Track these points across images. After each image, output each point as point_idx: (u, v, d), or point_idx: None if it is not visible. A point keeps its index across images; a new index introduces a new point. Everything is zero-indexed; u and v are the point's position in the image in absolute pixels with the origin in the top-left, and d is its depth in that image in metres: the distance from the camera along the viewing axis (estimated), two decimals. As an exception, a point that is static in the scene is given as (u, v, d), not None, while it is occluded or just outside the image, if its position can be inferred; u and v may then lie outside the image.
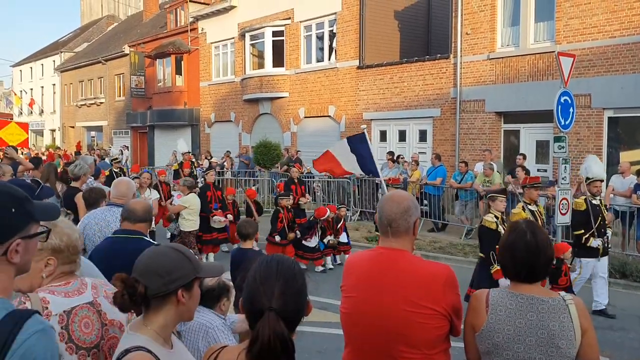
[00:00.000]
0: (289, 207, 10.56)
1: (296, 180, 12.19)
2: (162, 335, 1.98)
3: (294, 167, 13.51)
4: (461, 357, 2.66)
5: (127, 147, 29.84)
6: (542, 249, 2.39)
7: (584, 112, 12.97)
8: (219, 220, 10.65)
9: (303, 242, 10.32)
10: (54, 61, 42.49)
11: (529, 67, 14.21)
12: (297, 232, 10.30)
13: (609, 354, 6.15)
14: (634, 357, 6.18)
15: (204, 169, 19.54)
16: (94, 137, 37.71)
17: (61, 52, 42.13)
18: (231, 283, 3.74)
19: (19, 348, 1.52)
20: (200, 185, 12.93)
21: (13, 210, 1.66)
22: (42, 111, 42.55)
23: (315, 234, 10.32)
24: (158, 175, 13.09)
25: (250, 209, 10.96)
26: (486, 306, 2.41)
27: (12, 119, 45.10)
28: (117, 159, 15.33)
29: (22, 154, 21.97)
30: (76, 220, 6.24)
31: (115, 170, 13.84)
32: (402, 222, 2.52)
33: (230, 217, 10.97)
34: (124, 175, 13.68)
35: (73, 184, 7.14)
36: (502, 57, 14.79)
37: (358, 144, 8.68)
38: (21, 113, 44.85)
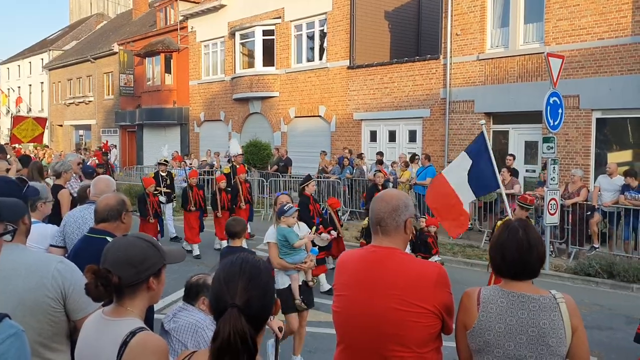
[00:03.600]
0: None
1: (380, 187, 10.84)
2: (142, 319, 2.11)
3: (380, 172, 11.96)
4: (452, 356, 2.66)
5: (115, 146, 29.70)
6: (534, 247, 2.40)
7: (573, 113, 13.07)
8: (326, 237, 8.81)
9: None
10: (42, 59, 42.20)
11: (518, 68, 14.28)
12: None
13: (598, 354, 6.20)
14: (622, 357, 6.22)
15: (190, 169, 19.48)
16: (82, 135, 37.45)
17: (49, 50, 41.84)
18: None
19: None
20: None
21: None
22: (30, 109, 42.20)
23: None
24: (217, 182, 11.98)
25: (333, 221, 9.67)
26: (477, 304, 2.41)
27: (0, 117, 44.65)
28: (164, 162, 13.45)
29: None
30: (58, 217, 6.21)
31: (162, 173, 12.68)
32: (391, 221, 2.53)
33: (334, 232, 9.19)
34: (171, 181, 12.92)
35: (56, 181, 7.11)
36: (491, 58, 14.86)
37: (478, 152, 6.38)
38: (9, 111, 44.44)
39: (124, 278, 2.04)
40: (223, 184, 11.81)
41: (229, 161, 17.58)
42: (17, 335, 1.55)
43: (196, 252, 11.27)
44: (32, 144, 37.96)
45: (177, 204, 13.70)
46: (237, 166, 13.01)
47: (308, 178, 9.57)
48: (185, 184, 19.32)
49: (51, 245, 4.17)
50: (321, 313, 7.51)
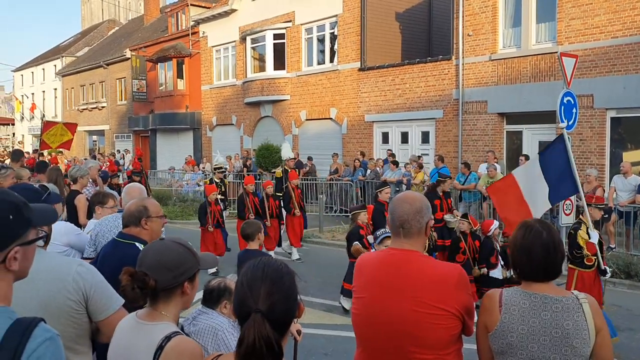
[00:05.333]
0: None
1: (441, 194, 9.99)
2: (176, 323, 2.13)
3: (449, 179, 10.76)
4: (473, 359, 2.65)
5: (129, 151, 29.89)
6: (558, 248, 2.39)
7: (587, 113, 12.96)
8: None
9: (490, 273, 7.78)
10: (55, 65, 42.53)
11: (531, 68, 14.20)
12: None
13: (618, 355, 6.12)
14: (641, 358, 6.16)
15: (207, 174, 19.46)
16: (95, 141, 37.72)
17: (62, 57, 42.16)
18: (234, 284, 3.71)
19: (29, 358, 1.51)
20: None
21: (11, 217, 1.63)
22: (44, 116, 42.46)
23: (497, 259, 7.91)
24: (264, 188, 11.12)
25: None
26: (499, 305, 2.40)
27: (14, 123, 45.11)
28: (221, 167, 12.69)
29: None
30: (75, 222, 6.25)
31: (216, 180, 11.93)
32: (415, 223, 2.51)
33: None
34: (225, 188, 12.23)
35: (73, 186, 7.17)
36: (504, 58, 14.79)
37: (556, 155, 5.91)
38: (23, 118, 44.85)
39: (160, 282, 2.05)
40: (270, 189, 10.99)
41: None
42: (52, 339, 1.58)
43: None
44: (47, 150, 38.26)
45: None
46: (290, 170, 12.35)
47: (383, 184, 9.27)
48: (198, 187, 19.55)
49: (83, 258, 4.20)
50: (336, 316, 7.51)
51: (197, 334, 3.21)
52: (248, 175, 13.70)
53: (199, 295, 3.65)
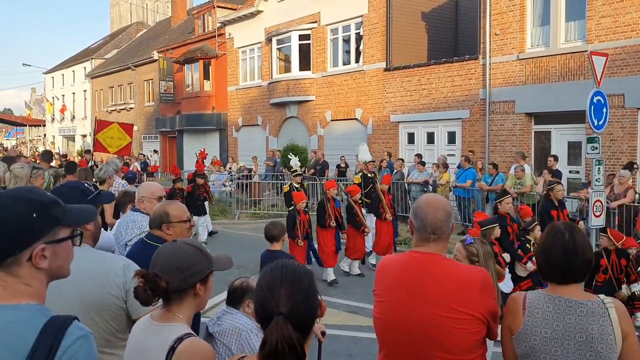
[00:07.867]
0: None
1: (557, 203, 8.80)
2: (189, 325, 2.13)
3: (558, 184, 9.26)
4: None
5: (157, 152, 30.27)
6: (579, 251, 2.34)
7: (617, 112, 12.70)
8: (531, 267, 7.22)
9: None
10: (84, 68, 43.28)
11: (560, 67, 13.97)
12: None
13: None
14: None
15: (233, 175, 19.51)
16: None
17: (92, 59, 42.89)
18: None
19: (64, 355, 1.53)
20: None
21: (34, 215, 1.63)
22: (74, 117, 43.37)
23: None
24: (351, 195, 9.96)
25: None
26: (523, 308, 2.37)
27: (45, 125, 46.06)
28: (296, 171, 11.67)
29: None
30: (102, 222, 6.34)
31: (296, 185, 10.89)
32: (446, 228, 2.51)
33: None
34: (305, 192, 11.38)
35: (100, 187, 7.25)
36: (532, 58, 14.58)
37: None
38: (53, 119, 45.75)
39: (171, 283, 2.06)
40: (358, 196, 9.99)
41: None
42: (86, 337, 1.61)
43: (332, 277, 9.49)
44: (76, 151, 38.90)
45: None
46: (369, 174, 11.45)
47: (504, 193, 8.32)
48: (224, 188, 19.70)
49: None
50: (361, 317, 7.49)
51: (221, 334, 3.24)
52: (328, 180, 12.45)
53: (224, 295, 3.68)
